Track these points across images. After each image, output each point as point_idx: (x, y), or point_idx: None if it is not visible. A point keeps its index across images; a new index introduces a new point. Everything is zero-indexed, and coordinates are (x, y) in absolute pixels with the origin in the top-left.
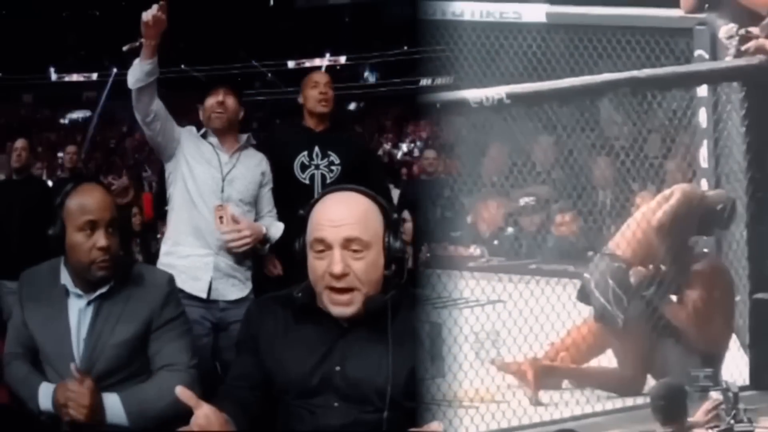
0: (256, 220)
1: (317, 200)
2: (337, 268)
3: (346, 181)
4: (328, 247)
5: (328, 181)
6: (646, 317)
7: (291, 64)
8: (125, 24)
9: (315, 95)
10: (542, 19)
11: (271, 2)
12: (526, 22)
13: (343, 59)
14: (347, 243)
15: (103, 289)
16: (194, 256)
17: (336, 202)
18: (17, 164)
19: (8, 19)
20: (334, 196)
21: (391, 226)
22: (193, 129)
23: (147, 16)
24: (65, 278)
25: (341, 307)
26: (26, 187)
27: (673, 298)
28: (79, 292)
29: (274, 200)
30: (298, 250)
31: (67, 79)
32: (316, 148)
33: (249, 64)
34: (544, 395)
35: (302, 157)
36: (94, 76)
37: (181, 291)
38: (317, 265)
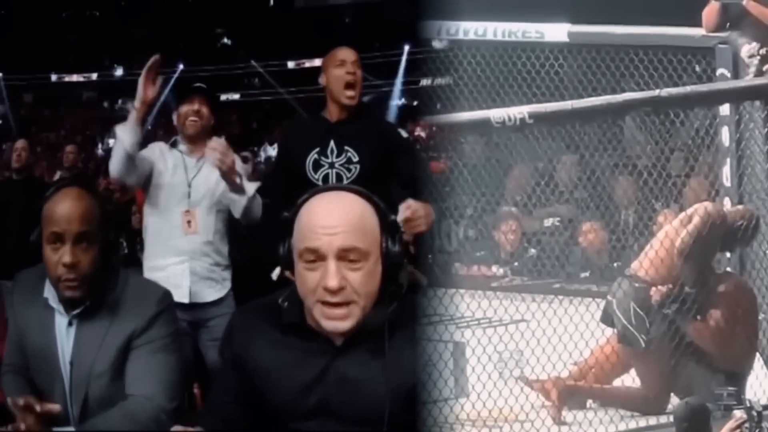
0: None
1: (304, 201)
2: (333, 282)
3: (365, 182)
4: (321, 257)
5: (345, 182)
6: (668, 337)
7: (291, 64)
8: (125, 24)
9: (341, 75)
10: (564, 38)
11: (271, 2)
12: (548, 41)
13: None
14: (343, 253)
15: (79, 309)
16: (171, 265)
17: (328, 204)
18: (18, 164)
19: (8, 19)
20: (326, 198)
21: (389, 229)
22: (161, 144)
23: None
24: (48, 290)
25: (336, 321)
26: (26, 187)
27: (697, 317)
28: (60, 309)
29: (285, 203)
30: (283, 257)
31: (67, 79)
32: (332, 144)
33: (249, 64)
34: (568, 415)
35: (315, 153)
36: (94, 76)
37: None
38: (308, 277)
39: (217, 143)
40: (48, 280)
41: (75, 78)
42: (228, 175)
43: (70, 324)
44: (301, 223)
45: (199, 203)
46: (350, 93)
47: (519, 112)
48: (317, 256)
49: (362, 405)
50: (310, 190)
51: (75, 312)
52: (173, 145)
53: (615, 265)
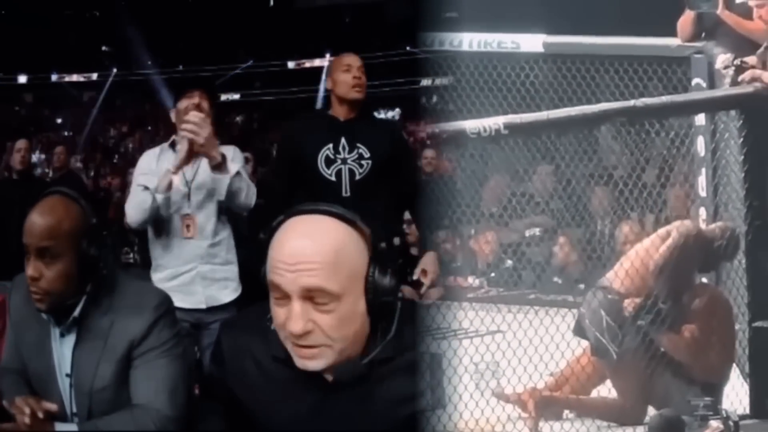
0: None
1: (280, 223)
2: (296, 327)
3: (376, 178)
4: (286, 296)
5: (357, 177)
6: (642, 348)
7: (291, 64)
8: (125, 24)
9: (348, 80)
10: (540, 49)
11: (271, 2)
12: (523, 52)
13: None
14: (309, 294)
15: (68, 321)
16: (181, 274)
17: (299, 235)
18: (21, 166)
19: (8, 19)
20: (300, 224)
21: (378, 259)
22: (156, 150)
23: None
24: None
25: (306, 360)
26: (26, 187)
27: (672, 328)
28: (51, 320)
29: (296, 198)
30: (261, 280)
31: (67, 79)
32: (343, 140)
33: (249, 64)
34: (544, 425)
35: (327, 150)
36: (94, 76)
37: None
38: (277, 313)
39: (194, 115)
40: None
41: (75, 78)
42: (205, 149)
43: (62, 335)
44: (272, 251)
45: (201, 205)
46: (358, 90)
47: (494, 122)
48: (282, 294)
49: None
50: (288, 211)
51: (64, 324)
52: (172, 145)
53: (581, 286)
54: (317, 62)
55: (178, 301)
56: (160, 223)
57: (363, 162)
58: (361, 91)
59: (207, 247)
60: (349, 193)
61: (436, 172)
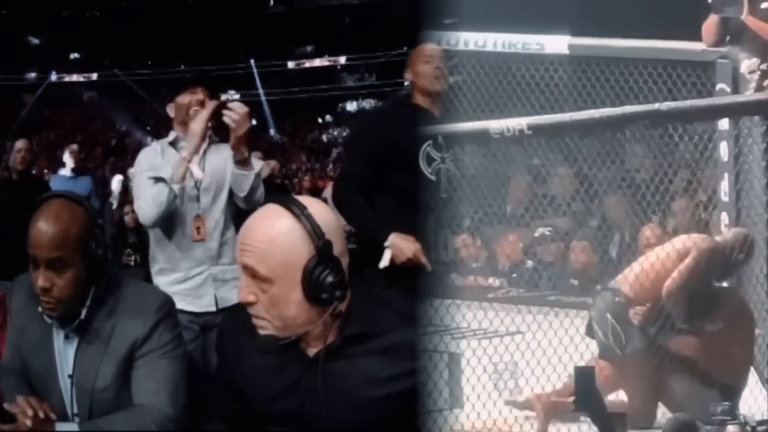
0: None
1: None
2: (240, 295)
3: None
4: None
5: (453, 178)
6: (650, 352)
7: (291, 64)
8: (125, 24)
9: (430, 71)
10: (564, 50)
11: (271, 2)
12: (548, 53)
13: (343, 59)
14: (248, 271)
15: (73, 324)
16: (192, 277)
17: (252, 218)
18: (21, 166)
19: (8, 19)
20: (260, 209)
21: (320, 254)
22: (156, 146)
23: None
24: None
25: (259, 329)
26: (27, 187)
27: (693, 330)
28: (55, 323)
29: (388, 195)
30: None
31: (67, 79)
32: (440, 137)
33: (249, 64)
34: (562, 427)
35: (428, 146)
36: (94, 76)
37: (186, 311)
38: None
39: (239, 106)
40: None
41: (75, 78)
42: (239, 143)
43: (66, 337)
44: None
45: (209, 207)
46: (439, 84)
47: (518, 123)
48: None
49: (334, 416)
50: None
51: (69, 327)
52: (173, 143)
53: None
54: (317, 62)
55: (187, 305)
56: (167, 225)
57: (459, 163)
58: (443, 83)
59: (217, 248)
60: (445, 194)
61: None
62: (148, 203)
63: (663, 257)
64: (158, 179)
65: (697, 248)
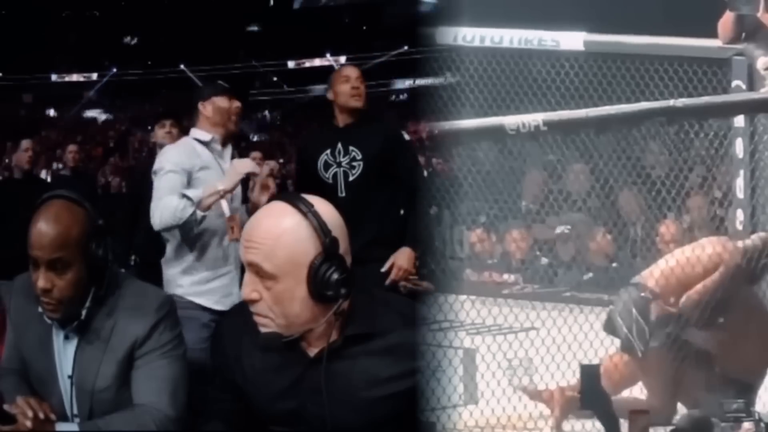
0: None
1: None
2: (243, 293)
3: (371, 178)
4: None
5: (350, 178)
6: (672, 347)
7: (291, 64)
8: (125, 24)
9: (347, 90)
10: (580, 47)
11: (271, 2)
12: (564, 50)
13: (343, 59)
14: (253, 268)
15: (73, 324)
16: (220, 277)
17: (256, 215)
18: (28, 165)
19: (8, 19)
20: (264, 208)
21: (325, 251)
22: (193, 144)
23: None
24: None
25: (261, 327)
26: (29, 186)
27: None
28: (55, 324)
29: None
30: None
31: (67, 79)
32: (339, 145)
33: (249, 64)
34: (576, 423)
35: (325, 155)
36: (94, 76)
37: (214, 310)
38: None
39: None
40: None
41: (75, 78)
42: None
43: (66, 337)
44: None
45: (239, 205)
46: (357, 99)
47: (533, 119)
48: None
49: (335, 416)
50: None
51: (69, 327)
52: (208, 144)
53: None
54: (317, 62)
55: (214, 304)
56: (204, 225)
57: (355, 164)
58: (360, 100)
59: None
60: (344, 194)
61: (435, 173)
62: (168, 211)
63: (693, 260)
64: (185, 196)
65: (725, 265)
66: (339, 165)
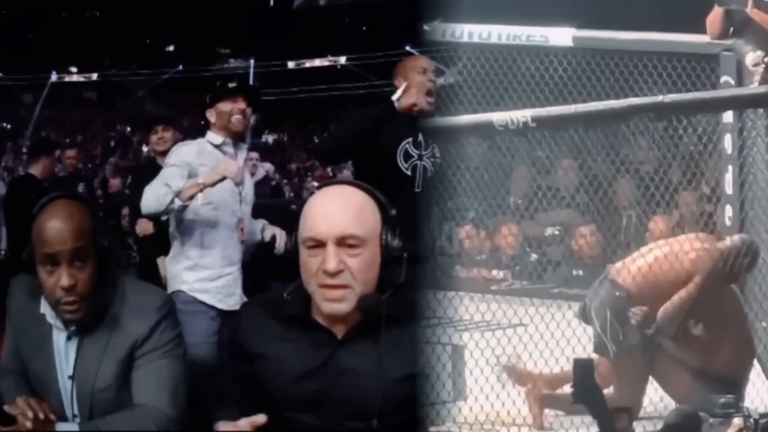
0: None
1: (311, 195)
2: (331, 265)
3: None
4: (321, 243)
5: (429, 174)
6: (644, 349)
7: (291, 64)
8: (125, 24)
9: (424, 81)
10: (569, 42)
11: (271, 2)
12: (552, 45)
13: (343, 59)
14: (342, 239)
15: (78, 324)
16: (224, 276)
17: (330, 196)
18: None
19: (8, 19)
20: (328, 190)
21: (389, 222)
22: (205, 144)
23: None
24: (45, 307)
25: (333, 303)
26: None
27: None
28: (59, 324)
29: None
30: (290, 248)
31: (67, 79)
32: (420, 136)
33: (249, 64)
34: (561, 418)
35: (407, 144)
36: (94, 76)
37: (216, 308)
38: (310, 263)
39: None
40: (44, 298)
41: (75, 78)
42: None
43: (68, 338)
44: (306, 213)
45: (248, 206)
46: (431, 99)
47: (522, 115)
48: (317, 242)
49: (360, 397)
50: (319, 184)
51: (71, 328)
52: (219, 146)
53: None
54: (317, 62)
55: (217, 302)
56: (212, 224)
57: (435, 161)
58: (433, 104)
59: (247, 248)
60: (420, 189)
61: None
62: (152, 197)
63: (671, 257)
64: (167, 185)
65: (702, 274)
66: (420, 158)
